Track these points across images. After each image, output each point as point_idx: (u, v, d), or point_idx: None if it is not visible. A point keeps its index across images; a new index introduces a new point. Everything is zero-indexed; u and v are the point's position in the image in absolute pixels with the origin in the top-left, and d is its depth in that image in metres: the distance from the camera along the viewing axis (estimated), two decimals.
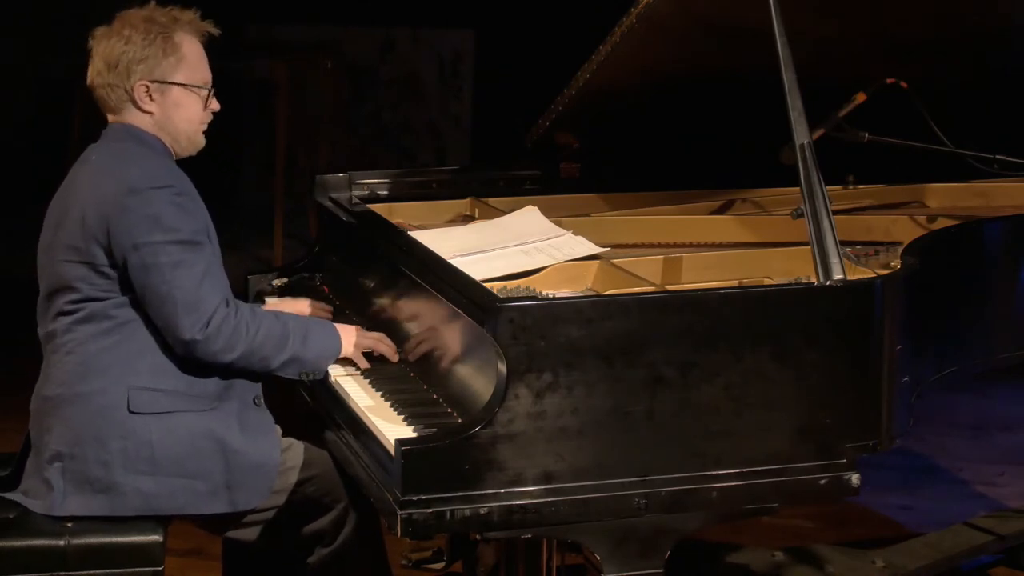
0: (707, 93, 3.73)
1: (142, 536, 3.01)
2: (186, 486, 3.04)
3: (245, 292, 3.79)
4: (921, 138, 3.66)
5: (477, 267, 3.19)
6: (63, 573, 2.98)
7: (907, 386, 3.04)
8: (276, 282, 3.83)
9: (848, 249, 3.14)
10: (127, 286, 3.02)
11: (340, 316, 3.54)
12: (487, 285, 3.03)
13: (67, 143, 7.10)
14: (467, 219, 3.87)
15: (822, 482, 2.90)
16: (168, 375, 3.04)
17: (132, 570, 3.00)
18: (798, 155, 3.04)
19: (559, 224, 3.53)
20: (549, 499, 2.75)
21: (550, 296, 3.07)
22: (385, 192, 3.95)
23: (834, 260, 2.94)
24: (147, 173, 3.02)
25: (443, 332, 3.08)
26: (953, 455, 5.39)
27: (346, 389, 3.15)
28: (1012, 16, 3.70)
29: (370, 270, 3.56)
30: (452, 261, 3.18)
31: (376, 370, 3.23)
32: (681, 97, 3.74)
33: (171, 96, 3.11)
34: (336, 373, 3.22)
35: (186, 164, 3.18)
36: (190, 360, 3.04)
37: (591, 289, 3.25)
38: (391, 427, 2.91)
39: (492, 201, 3.86)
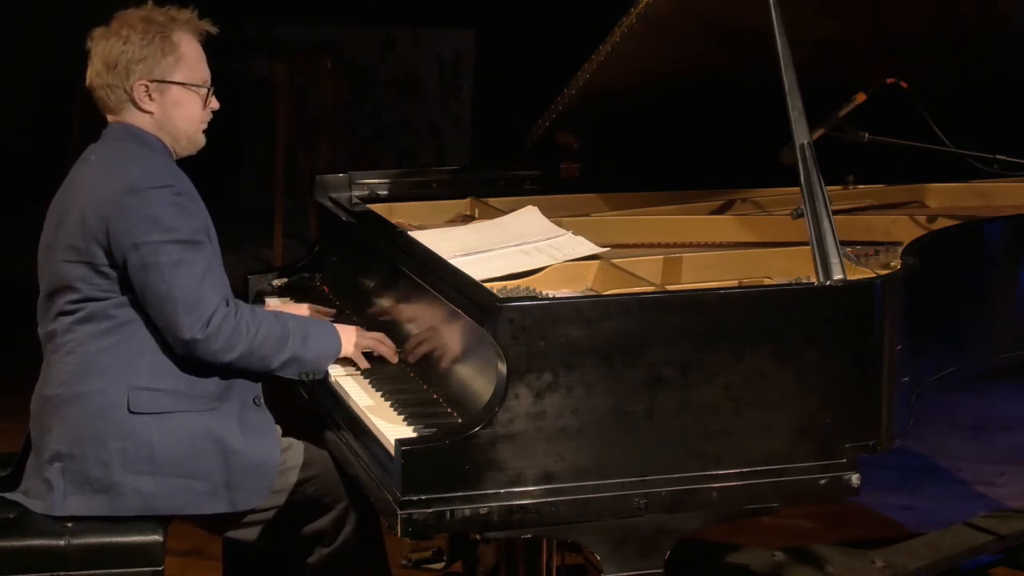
0: (707, 93, 3.73)
1: (142, 536, 3.01)
2: (186, 486, 3.03)
3: (245, 292, 3.79)
4: (921, 138, 3.66)
5: (477, 267, 3.19)
6: (63, 573, 2.98)
7: (907, 386, 3.04)
8: (276, 282, 3.83)
9: (848, 249, 3.14)
10: (127, 286, 3.02)
11: (340, 316, 3.54)
12: (487, 285, 3.03)
13: (67, 143, 7.11)
14: (467, 219, 3.87)
15: (822, 482, 2.90)
16: (168, 375, 3.04)
17: (132, 570, 3.00)
18: (798, 155, 3.04)
19: (559, 224, 3.52)
20: (549, 499, 2.75)
21: (550, 296, 3.07)
22: (385, 192, 3.95)
23: (834, 260, 2.94)
24: (147, 173, 3.02)
25: (443, 332, 3.08)
26: (953, 455, 5.39)
27: (346, 389, 3.15)
28: (1012, 16, 3.70)
29: (370, 270, 3.56)
30: (452, 261, 3.18)
31: (376, 370, 3.22)
32: (681, 97, 3.74)
33: (170, 95, 3.11)
34: (336, 373, 3.22)
35: (186, 164, 3.18)
36: (190, 360, 3.04)
37: (591, 289, 3.25)
38: (391, 427, 2.91)
39: (492, 201, 3.86)
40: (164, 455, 3.02)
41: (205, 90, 3.16)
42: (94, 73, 3.12)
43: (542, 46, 7.51)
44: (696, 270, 3.34)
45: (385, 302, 3.44)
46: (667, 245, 3.64)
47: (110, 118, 3.16)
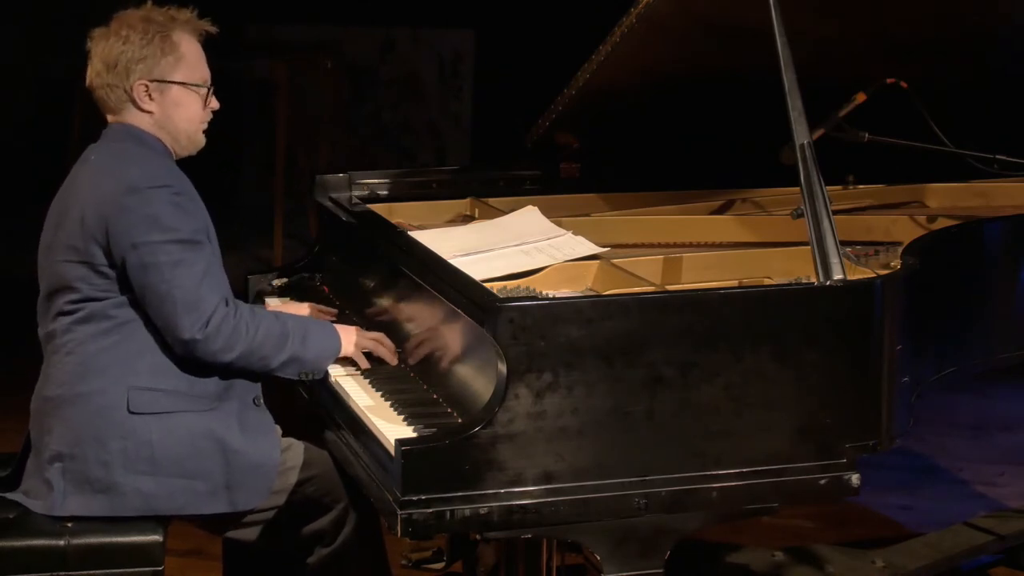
0: (707, 93, 3.73)
1: (142, 536, 3.01)
2: (186, 486, 3.03)
3: (245, 292, 3.79)
4: (921, 138, 3.66)
5: (477, 267, 3.19)
6: (63, 573, 2.98)
7: (907, 386, 3.04)
8: (276, 282, 3.83)
9: (848, 249, 3.14)
10: (126, 286, 3.02)
11: (340, 316, 3.54)
12: (487, 285, 3.02)
13: (67, 143, 7.11)
14: (467, 219, 3.87)
15: (822, 482, 2.90)
16: (168, 375, 3.04)
17: (132, 570, 3.00)
18: (798, 155, 3.04)
19: (559, 224, 3.52)
20: (549, 499, 2.75)
21: (550, 296, 3.07)
22: (385, 192, 3.95)
23: (834, 260, 2.94)
24: (146, 173, 3.02)
25: (443, 332, 3.08)
26: (953, 455, 5.39)
27: (346, 389, 3.15)
28: (1012, 16, 3.70)
29: (370, 270, 3.56)
30: (452, 261, 3.18)
31: (376, 370, 3.22)
32: (681, 97, 3.74)
33: (170, 95, 3.11)
34: (336, 373, 3.22)
35: (186, 164, 3.18)
36: (190, 360, 3.03)
37: (591, 289, 3.25)
38: (391, 427, 2.91)
39: (492, 201, 3.86)
40: (164, 455, 3.02)
41: (205, 90, 3.16)
42: (94, 73, 3.12)
43: (542, 46, 7.51)
44: (696, 270, 3.34)
45: (385, 302, 3.44)
46: (667, 245, 3.64)
47: (110, 118, 3.16)
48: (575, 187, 4.00)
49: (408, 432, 2.86)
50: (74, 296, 3.04)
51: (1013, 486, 5.07)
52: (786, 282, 3.20)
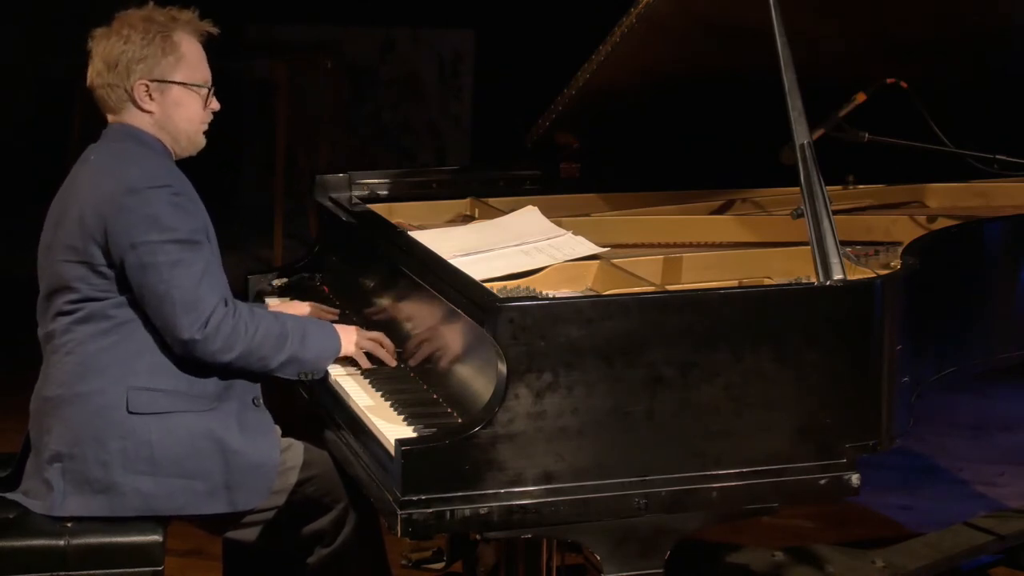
0: (707, 93, 3.73)
1: (142, 536, 3.01)
2: (185, 486, 3.03)
3: (245, 292, 3.79)
4: (921, 138, 3.66)
5: (477, 267, 3.19)
6: (63, 573, 2.98)
7: (907, 386, 3.04)
8: (276, 282, 3.83)
9: (848, 249, 3.14)
10: (125, 286, 3.02)
11: (340, 316, 3.54)
12: (487, 285, 3.02)
13: (67, 143, 7.11)
14: (467, 219, 3.87)
15: (822, 482, 2.90)
16: (167, 375, 3.04)
17: (132, 570, 3.00)
18: (798, 155, 3.04)
19: (559, 224, 3.52)
20: (549, 499, 2.75)
21: (550, 296, 3.07)
22: (385, 192, 3.95)
23: (834, 260, 2.94)
24: (146, 173, 3.02)
25: (443, 332, 3.08)
26: (953, 455, 5.39)
27: (346, 389, 3.15)
28: (1012, 16, 3.70)
29: (370, 270, 3.56)
30: (452, 261, 3.18)
31: (376, 370, 3.22)
32: (681, 97, 3.74)
33: (171, 95, 3.12)
34: (336, 373, 3.22)
35: (186, 164, 3.19)
36: (189, 360, 3.03)
37: (591, 289, 3.25)
38: (391, 427, 2.91)
39: (492, 201, 3.86)
40: (164, 455, 3.02)
41: (206, 90, 3.16)
42: (95, 72, 3.12)
43: (542, 46, 7.51)
44: (696, 270, 3.34)
45: (385, 302, 3.44)
46: (667, 245, 3.64)
47: (110, 118, 3.16)
48: (575, 187, 4.00)
49: (408, 432, 2.86)
50: (73, 296, 3.04)
51: (1013, 486, 5.07)
52: (786, 282, 3.20)
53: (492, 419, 2.70)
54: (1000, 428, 5.73)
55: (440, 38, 8.77)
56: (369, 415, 2.99)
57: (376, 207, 3.80)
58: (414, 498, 2.68)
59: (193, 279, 2.99)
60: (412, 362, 3.22)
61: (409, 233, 3.47)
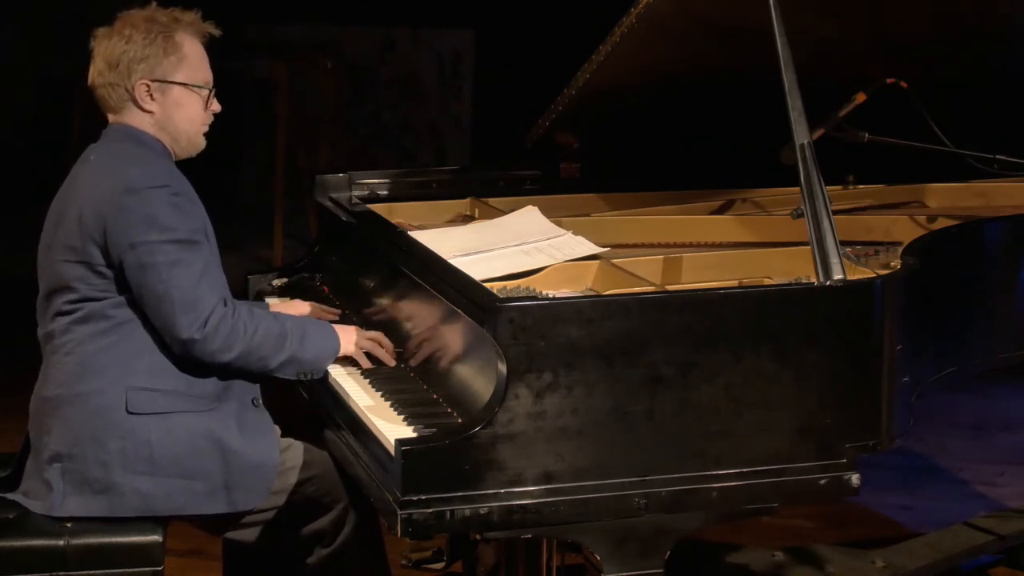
0: (707, 93, 3.73)
1: (142, 536, 3.01)
2: (185, 486, 3.03)
3: (245, 292, 3.79)
4: (921, 138, 3.66)
5: (477, 267, 3.19)
6: (63, 573, 2.98)
7: (907, 386, 3.04)
8: (276, 282, 3.83)
9: (848, 249, 3.14)
10: (124, 286, 3.02)
11: (340, 316, 3.54)
12: (487, 285, 3.03)
13: (67, 143, 7.11)
14: (467, 219, 3.87)
15: (822, 482, 2.90)
16: (166, 375, 3.04)
17: (132, 570, 3.00)
18: (798, 155, 3.04)
19: (559, 224, 3.53)
20: (549, 499, 2.75)
21: (550, 296, 3.07)
22: (385, 192, 3.95)
23: (834, 260, 2.94)
24: (145, 173, 3.02)
25: (443, 332, 3.08)
26: (953, 455, 5.39)
27: (346, 389, 3.15)
28: (1012, 16, 3.70)
29: (370, 270, 3.56)
30: (452, 261, 3.18)
31: (376, 370, 3.22)
32: (681, 97, 3.74)
33: (172, 96, 3.12)
34: (336, 373, 3.22)
35: (186, 164, 3.19)
36: (188, 360, 3.03)
37: (591, 289, 3.25)
38: (391, 427, 2.91)
39: (492, 201, 3.86)
40: (163, 455, 3.02)
41: (207, 91, 3.16)
42: (96, 72, 3.12)
43: (542, 46, 7.51)
44: (696, 270, 3.34)
45: (385, 302, 3.44)
46: (667, 245, 3.64)
47: (111, 118, 3.16)
48: (575, 187, 4.00)
49: (408, 432, 2.86)
50: (72, 296, 3.04)
51: (1013, 486, 5.07)
52: (786, 282, 3.20)
53: (492, 419, 2.70)
54: (1000, 428, 5.73)
55: (440, 38, 8.77)
56: (369, 415, 2.99)
57: (376, 207, 3.80)
58: (414, 498, 2.68)
59: (192, 279, 2.99)
60: (412, 362, 3.22)
61: (409, 233, 3.47)
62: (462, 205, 3.93)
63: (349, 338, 3.22)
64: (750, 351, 2.83)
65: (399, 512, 2.68)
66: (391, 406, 3.03)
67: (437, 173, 4.10)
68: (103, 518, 3.01)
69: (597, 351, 2.75)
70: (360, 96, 8.83)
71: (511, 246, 3.37)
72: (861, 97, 3.64)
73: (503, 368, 2.72)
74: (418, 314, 3.23)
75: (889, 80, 3.64)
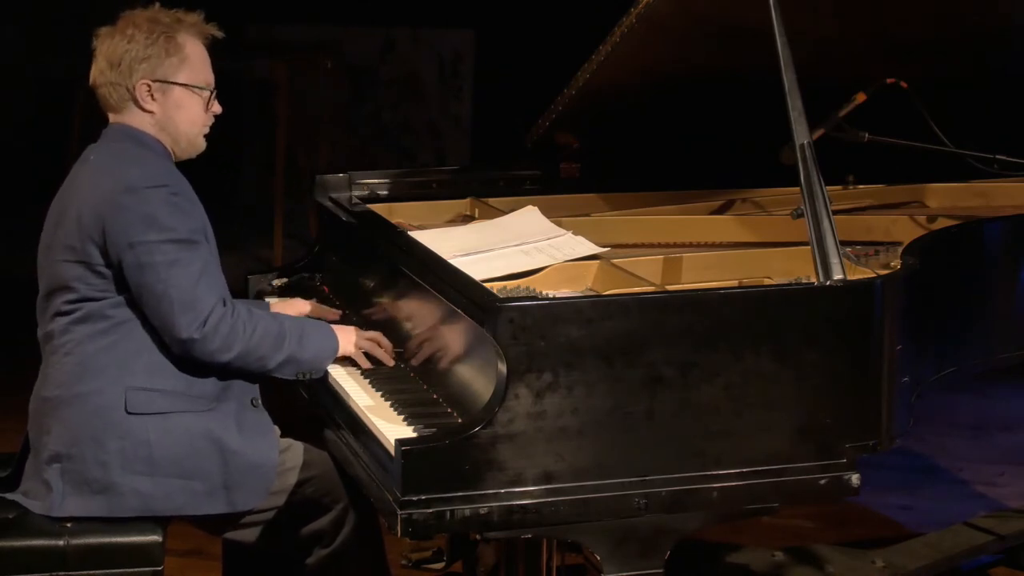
0: (707, 93, 3.73)
1: (141, 536, 3.01)
2: (184, 487, 3.03)
3: (245, 292, 3.79)
4: (921, 138, 3.66)
5: (477, 267, 3.19)
6: (63, 573, 2.98)
7: (907, 386, 3.04)
8: (276, 282, 3.83)
9: (848, 249, 3.14)
10: (123, 285, 3.02)
11: (341, 316, 3.53)
12: (487, 285, 3.03)
13: (67, 143, 7.11)
14: (467, 219, 3.87)
15: (822, 482, 2.90)
16: (165, 375, 3.04)
17: (132, 570, 3.00)
18: (798, 155, 3.04)
19: (559, 224, 3.52)
20: (549, 499, 2.74)
21: (550, 296, 3.07)
22: (385, 192, 3.95)
23: (834, 260, 2.94)
24: (145, 173, 3.02)
25: (443, 332, 3.08)
26: (953, 455, 5.39)
27: (346, 389, 3.15)
28: (1012, 16, 3.70)
29: (370, 270, 3.56)
30: (452, 261, 3.18)
31: (376, 370, 3.22)
32: (681, 97, 3.74)
33: (172, 96, 3.12)
34: (336, 373, 3.22)
35: (186, 164, 3.19)
36: (187, 360, 3.03)
37: (591, 289, 3.25)
38: (391, 427, 2.91)
39: (492, 201, 3.86)
40: (162, 455, 3.02)
41: (208, 93, 3.16)
42: (98, 71, 3.12)
43: (542, 46, 7.51)
44: (696, 270, 3.33)
45: (385, 302, 3.44)
46: (667, 245, 3.64)
47: (111, 117, 3.16)
48: (575, 187, 4.00)
49: (408, 432, 2.86)
50: (71, 296, 3.04)
51: (1013, 486, 5.07)
52: (786, 282, 3.20)
53: (492, 419, 2.70)
54: (1000, 428, 5.73)
55: (440, 38, 8.76)
56: (369, 415, 2.99)
57: (376, 207, 3.80)
58: (414, 498, 2.68)
59: (191, 279, 2.99)
60: (412, 362, 3.22)
61: (409, 233, 3.47)
62: (462, 205, 3.93)
63: (348, 338, 3.22)
64: (750, 351, 2.83)
65: (399, 512, 2.68)
66: (391, 406, 3.03)
67: (437, 173, 4.10)
68: (103, 518, 3.01)
69: (597, 351, 2.75)
70: (360, 96, 8.83)
71: (511, 246, 3.37)
72: (861, 97, 3.64)
73: (503, 368, 2.72)
74: (418, 314, 3.23)
75: (889, 80, 3.64)
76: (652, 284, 3.13)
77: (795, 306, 2.89)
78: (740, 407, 2.83)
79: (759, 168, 3.80)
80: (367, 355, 3.24)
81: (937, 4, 3.55)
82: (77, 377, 3.04)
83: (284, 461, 3.14)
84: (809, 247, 2.98)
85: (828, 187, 3.04)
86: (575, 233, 3.44)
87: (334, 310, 3.56)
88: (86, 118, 6.32)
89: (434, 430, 2.81)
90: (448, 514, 2.70)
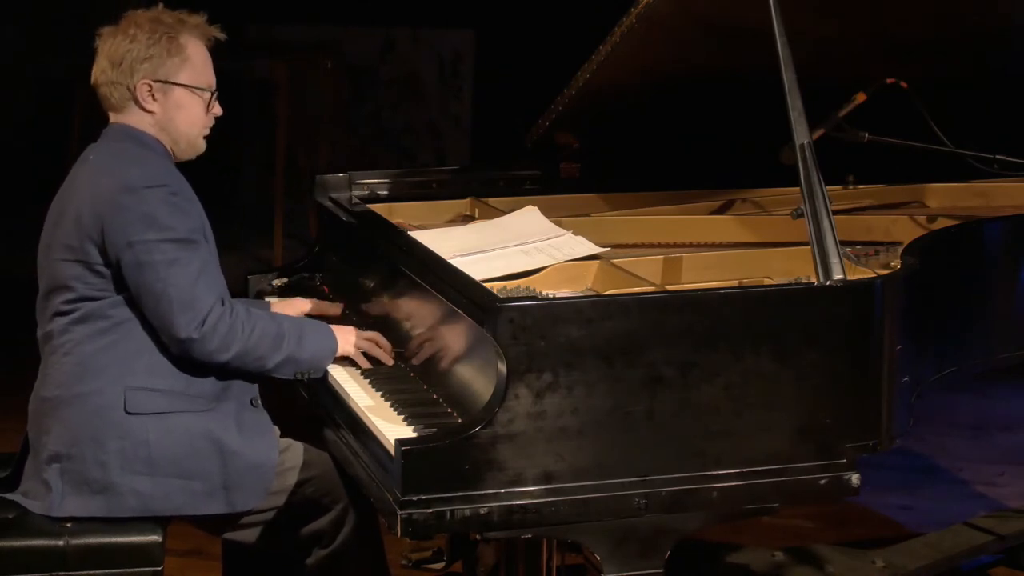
0: (707, 93, 3.73)
1: (141, 536, 3.01)
2: (183, 487, 3.03)
3: (245, 292, 3.79)
4: (921, 138, 3.66)
5: (477, 267, 3.19)
6: (63, 573, 2.98)
7: (907, 386, 3.04)
8: (276, 282, 3.83)
9: (848, 249, 3.14)
10: (122, 285, 3.02)
11: (341, 316, 3.53)
12: (487, 285, 3.02)
13: (67, 143, 7.10)
14: (467, 219, 3.87)
15: (822, 482, 2.90)
16: (165, 375, 3.04)
17: (131, 570, 3.00)
18: (798, 155, 3.04)
19: (559, 224, 3.52)
20: (549, 499, 2.74)
21: (550, 296, 3.07)
22: (385, 192, 3.95)
23: (834, 260, 2.94)
24: (144, 172, 3.03)
25: (443, 332, 3.08)
26: (953, 455, 5.39)
27: (346, 389, 3.15)
28: (1012, 16, 3.70)
29: (370, 270, 3.56)
30: (452, 261, 3.18)
31: (376, 370, 3.22)
32: (681, 97, 3.74)
33: (173, 97, 3.11)
34: (336, 373, 3.22)
35: (186, 164, 3.19)
36: (186, 360, 3.03)
37: (591, 289, 3.25)
38: (391, 427, 2.91)
39: (492, 201, 3.86)
40: (162, 455, 3.02)
41: (209, 94, 3.16)
42: (99, 70, 3.12)
43: (542, 46, 7.51)
44: (696, 270, 3.34)
45: (385, 302, 3.44)
46: (667, 245, 3.64)
47: (112, 117, 3.16)
48: (575, 187, 4.00)
49: (408, 432, 2.86)
50: (70, 296, 3.04)
51: (1013, 486, 5.07)
52: (786, 282, 3.20)
53: (492, 419, 2.70)
54: (1000, 428, 5.73)
55: (440, 38, 8.76)
56: (369, 415, 2.99)
57: (376, 207, 3.80)
58: (414, 498, 2.68)
59: (190, 278, 2.99)
60: (413, 362, 3.22)
61: (409, 233, 3.47)
62: (462, 205, 3.93)
63: (347, 338, 3.22)
64: (750, 351, 2.83)
65: (399, 512, 2.68)
66: (391, 406, 3.03)
67: (437, 173, 4.10)
68: (102, 518, 3.01)
69: (597, 351, 2.75)
70: (360, 96, 8.82)
71: (511, 246, 3.37)
72: (861, 97, 3.64)
73: (503, 368, 2.72)
74: (418, 314, 3.23)
75: (889, 80, 3.64)
76: (652, 284, 3.13)
77: (795, 306, 2.89)
78: (740, 407, 2.83)
79: (759, 168, 3.80)
80: (366, 355, 3.24)
81: (937, 4, 3.55)
82: (77, 377, 3.04)
83: (284, 461, 3.14)
84: (809, 247, 2.98)
85: (828, 187, 3.04)
86: (575, 233, 3.44)
87: (336, 304, 3.56)
88: (86, 118, 6.32)
89: (434, 430, 2.81)
90: (448, 514, 2.70)
